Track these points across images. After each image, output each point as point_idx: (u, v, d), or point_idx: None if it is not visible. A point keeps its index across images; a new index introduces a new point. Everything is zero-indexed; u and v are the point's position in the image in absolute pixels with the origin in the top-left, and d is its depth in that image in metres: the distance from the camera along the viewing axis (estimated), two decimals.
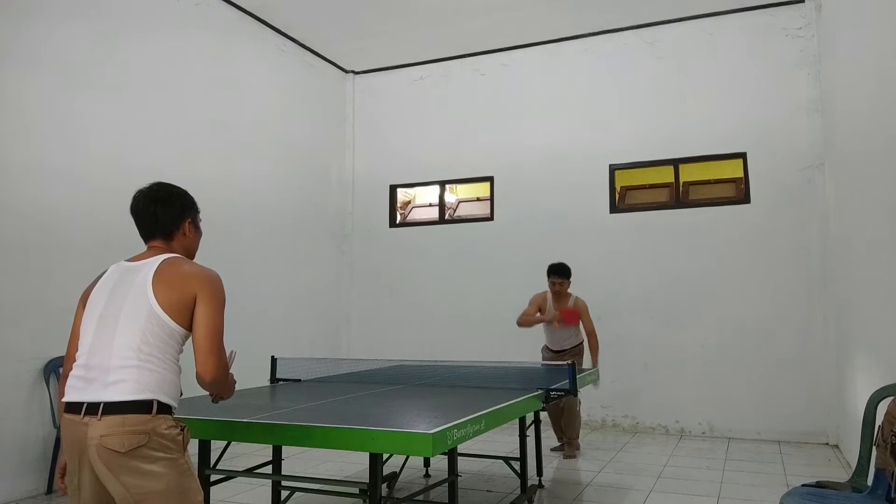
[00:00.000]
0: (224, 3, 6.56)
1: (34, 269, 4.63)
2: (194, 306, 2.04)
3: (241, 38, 6.81)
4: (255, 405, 3.18)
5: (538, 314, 5.87)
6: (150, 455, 1.94)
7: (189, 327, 2.06)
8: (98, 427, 1.92)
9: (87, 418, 1.94)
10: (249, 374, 5.19)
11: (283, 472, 3.88)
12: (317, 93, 8.05)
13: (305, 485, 3.71)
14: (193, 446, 3.02)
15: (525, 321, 5.86)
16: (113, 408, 1.93)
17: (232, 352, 2.24)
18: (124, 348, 1.98)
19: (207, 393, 2.19)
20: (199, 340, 2.03)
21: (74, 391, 2.01)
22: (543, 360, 5.86)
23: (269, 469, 3.72)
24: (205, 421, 2.70)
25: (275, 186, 7.16)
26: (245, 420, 2.64)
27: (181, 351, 2.10)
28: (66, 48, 4.96)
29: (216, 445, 3.21)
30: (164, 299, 2.02)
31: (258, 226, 6.83)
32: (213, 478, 3.21)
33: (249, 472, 3.64)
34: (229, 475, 3.36)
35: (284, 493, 3.61)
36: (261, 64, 7.07)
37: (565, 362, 5.26)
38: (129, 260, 2.19)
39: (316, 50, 7.89)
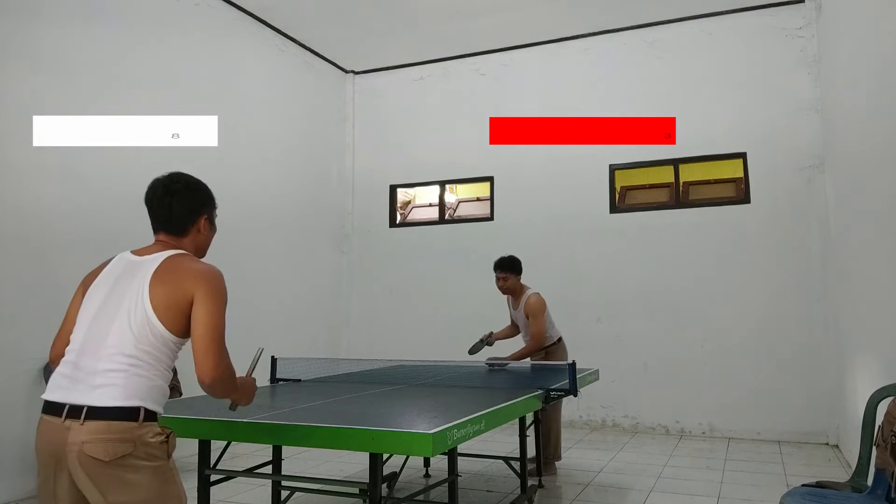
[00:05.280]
0: (224, 3, 6.56)
1: (34, 269, 4.63)
2: (191, 308, 1.92)
3: (241, 38, 6.81)
4: (255, 405, 3.16)
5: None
6: (134, 464, 1.82)
7: (184, 334, 1.95)
8: (80, 432, 1.79)
9: (68, 422, 1.81)
10: None
11: (283, 472, 3.87)
12: (317, 93, 8.05)
13: (305, 485, 3.71)
14: (193, 446, 3.04)
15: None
16: (97, 413, 1.81)
17: (259, 349, 2.30)
18: (115, 352, 1.87)
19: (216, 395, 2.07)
20: (196, 339, 1.91)
21: (58, 389, 1.88)
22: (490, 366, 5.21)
23: (269, 469, 3.71)
24: (205, 421, 2.70)
25: (275, 186, 7.15)
26: (245, 420, 2.63)
27: (176, 357, 2.01)
28: (66, 48, 4.96)
29: (216, 445, 3.20)
30: (160, 303, 1.91)
31: (258, 226, 6.83)
32: (213, 478, 3.20)
33: (249, 472, 3.63)
34: (229, 475, 3.36)
35: (284, 493, 3.61)
36: (261, 64, 7.07)
37: (504, 361, 5.12)
38: (134, 252, 2.09)
39: (316, 50, 7.89)
